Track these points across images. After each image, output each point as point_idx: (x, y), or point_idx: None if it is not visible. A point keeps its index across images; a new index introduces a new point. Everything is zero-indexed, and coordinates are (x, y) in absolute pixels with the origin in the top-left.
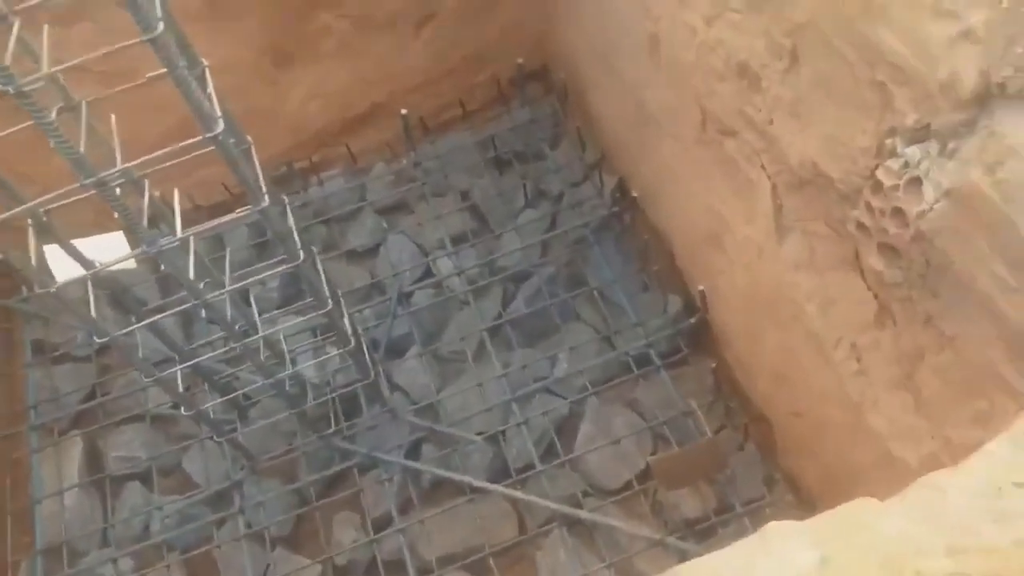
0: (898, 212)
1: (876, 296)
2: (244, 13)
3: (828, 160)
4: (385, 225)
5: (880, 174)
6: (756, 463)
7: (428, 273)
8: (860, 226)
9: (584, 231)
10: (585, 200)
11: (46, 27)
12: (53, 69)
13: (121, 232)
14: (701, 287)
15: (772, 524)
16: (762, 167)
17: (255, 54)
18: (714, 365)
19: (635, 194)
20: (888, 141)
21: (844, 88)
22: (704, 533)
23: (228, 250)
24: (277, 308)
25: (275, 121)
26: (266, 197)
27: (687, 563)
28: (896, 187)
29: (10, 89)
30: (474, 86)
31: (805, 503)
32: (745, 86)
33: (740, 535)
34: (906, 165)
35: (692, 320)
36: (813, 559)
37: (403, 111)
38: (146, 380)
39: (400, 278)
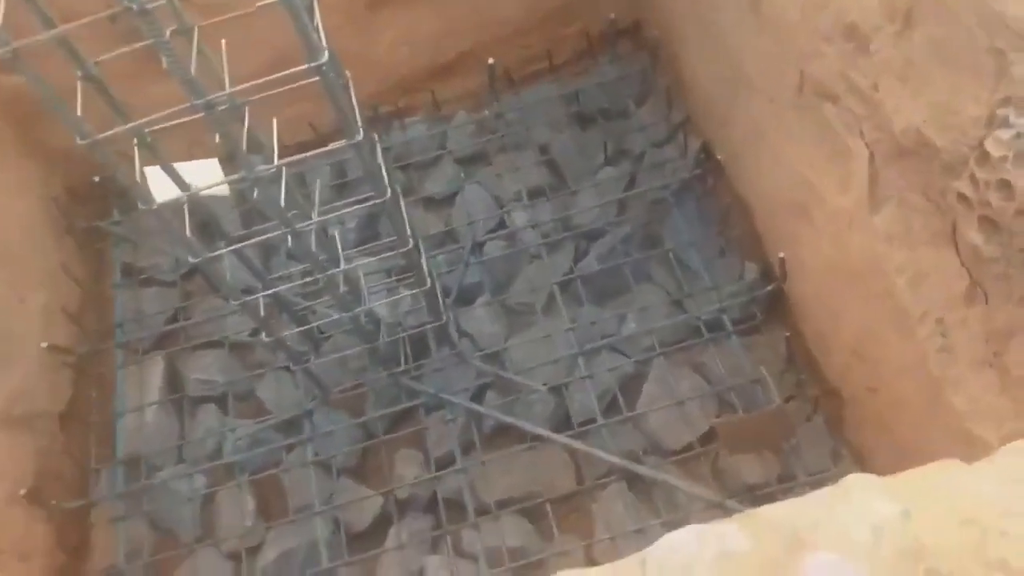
0: (1004, 185)
1: (970, 272)
2: None
3: (934, 128)
4: (463, 174)
5: (989, 144)
6: (823, 436)
7: (502, 224)
8: (961, 198)
9: (663, 192)
10: (667, 161)
11: None
12: None
13: (215, 159)
14: (781, 255)
15: (853, 476)
16: (860, 134)
17: None
18: (788, 335)
19: (720, 157)
20: (1000, 111)
21: (959, 54)
22: (764, 499)
23: (317, 183)
24: (354, 247)
25: (363, 64)
26: (361, 130)
27: (765, 506)
28: (1005, 158)
29: (134, 6)
30: (563, 39)
31: None
32: (852, 48)
33: None
34: (1018, 136)
35: (769, 288)
36: (894, 511)
37: (490, 61)
38: (233, 303)
39: (474, 227)
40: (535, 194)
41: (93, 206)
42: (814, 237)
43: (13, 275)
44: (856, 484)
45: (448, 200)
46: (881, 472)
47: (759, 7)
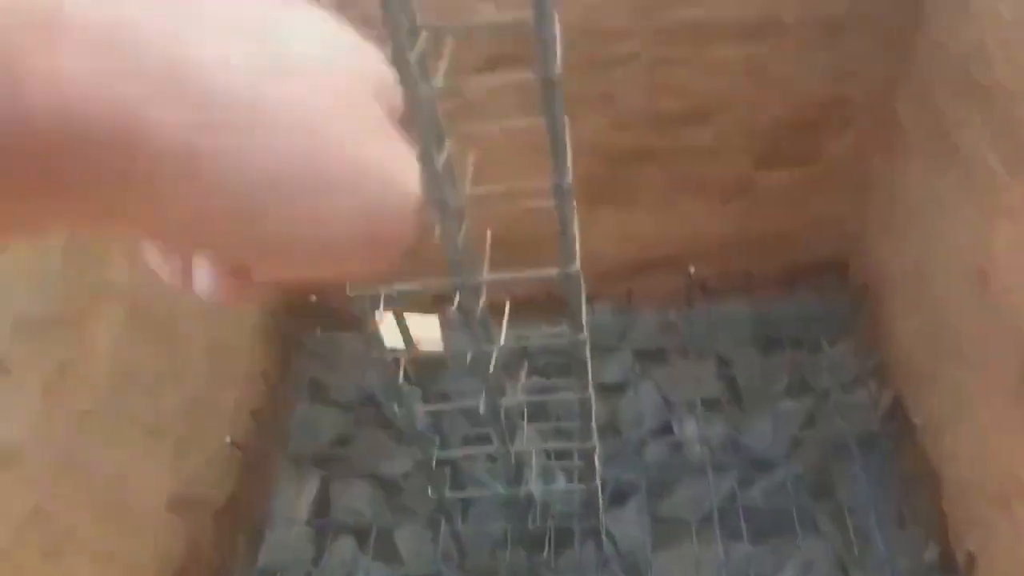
0: None
1: None
2: (576, 155)
3: None
4: (638, 370)
5: None
6: None
7: (668, 428)
8: None
9: (845, 439)
10: (853, 408)
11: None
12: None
13: (436, 317)
14: (971, 549)
15: None
16: None
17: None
18: None
19: (916, 421)
20: None
21: None
22: None
23: (525, 365)
24: (520, 417)
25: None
26: (585, 330)
27: None
28: None
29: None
30: (766, 261)
31: None
32: None
33: None
34: None
35: None
36: None
37: (691, 269)
38: (412, 449)
39: (641, 426)
40: (708, 406)
41: (302, 320)
42: (1012, 536)
43: (220, 372)
44: None
45: (618, 391)
46: None
47: (987, 284)
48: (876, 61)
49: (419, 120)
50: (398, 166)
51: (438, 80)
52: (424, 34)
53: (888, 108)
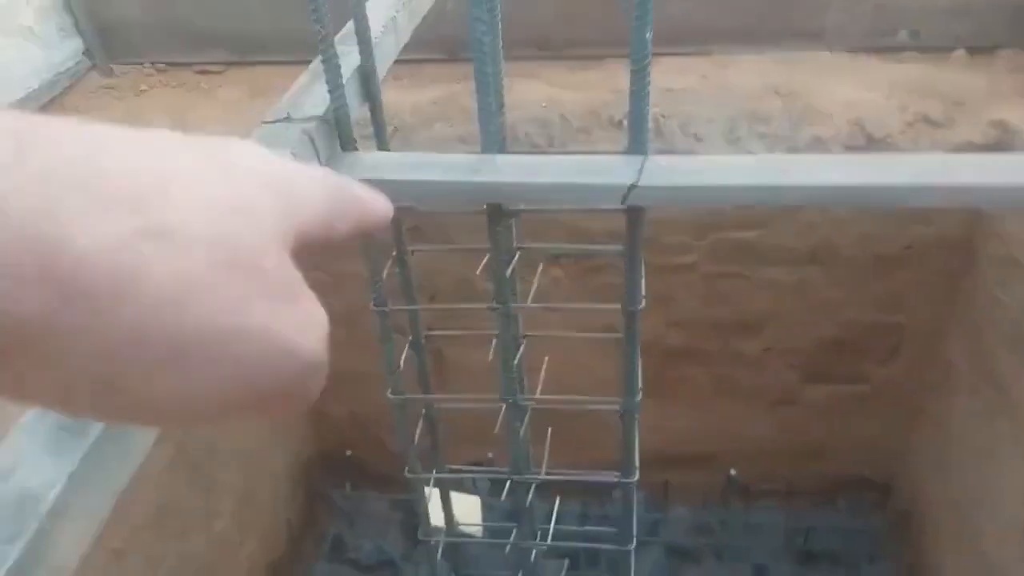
0: None
1: None
2: None
3: None
4: (669, 568)
5: None
6: None
7: None
8: None
9: None
10: None
11: None
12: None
13: (478, 499)
14: None
15: None
16: None
17: None
18: None
19: None
20: None
21: None
22: None
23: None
24: None
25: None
26: (635, 540)
27: None
28: None
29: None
30: (807, 474)
31: None
32: None
33: None
34: None
35: None
36: None
37: (732, 471)
38: None
39: None
40: None
41: (332, 475)
42: None
43: (245, 518)
44: None
45: None
46: None
47: None
48: (926, 300)
49: (503, 334)
50: (290, 328)
51: (528, 301)
52: (518, 254)
53: (939, 345)
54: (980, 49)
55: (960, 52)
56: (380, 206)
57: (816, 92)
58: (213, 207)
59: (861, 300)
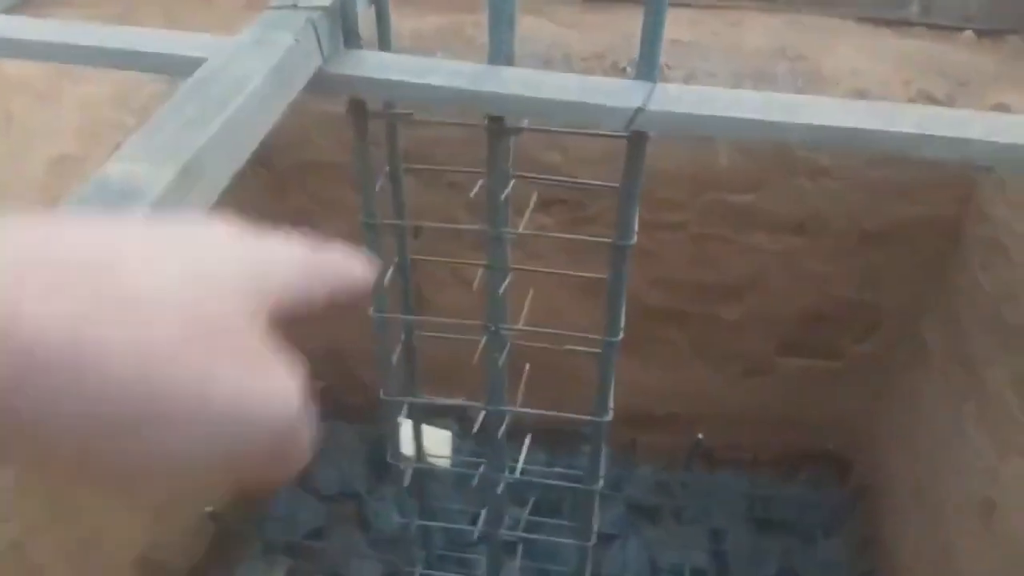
0: None
1: None
2: None
3: None
4: (629, 523)
5: None
6: None
7: None
8: None
9: None
10: None
11: None
12: None
13: (450, 433)
14: None
15: None
16: None
17: None
18: None
19: None
20: None
21: None
22: None
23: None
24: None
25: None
26: (601, 481)
27: None
28: None
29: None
30: (772, 441)
31: None
32: None
33: None
34: None
35: None
36: None
37: (700, 436)
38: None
39: None
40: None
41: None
42: None
43: None
44: None
45: (607, 542)
46: None
47: (990, 515)
48: (909, 280)
49: (492, 260)
50: (257, 395)
51: (521, 225)
52: (513, 181)
53: (915, 326)
54: (989, 32)
55: (969, 33)
56: (358, 270)
57: (824, 58)
58: (175, 277)
59: (845, 275)
